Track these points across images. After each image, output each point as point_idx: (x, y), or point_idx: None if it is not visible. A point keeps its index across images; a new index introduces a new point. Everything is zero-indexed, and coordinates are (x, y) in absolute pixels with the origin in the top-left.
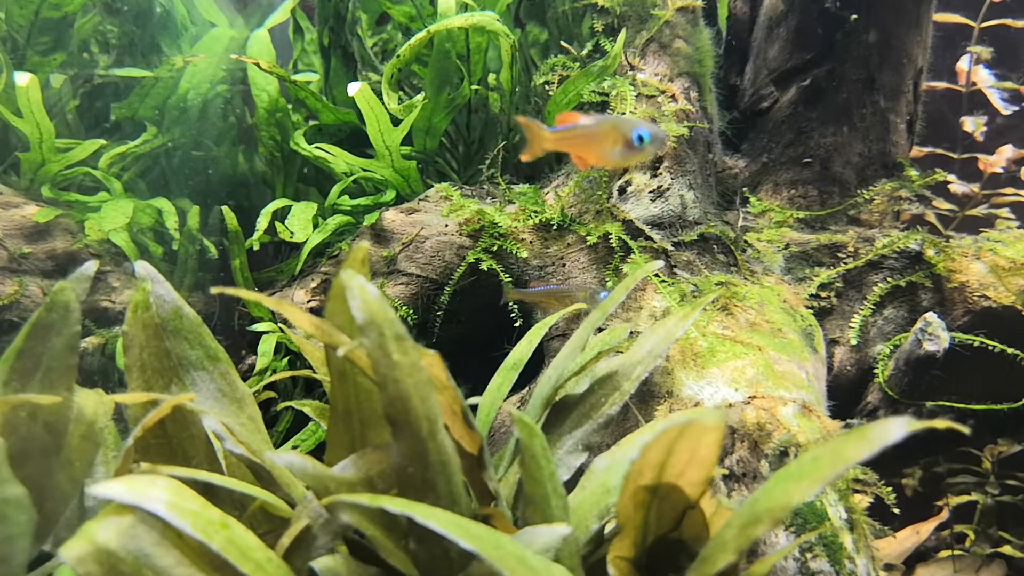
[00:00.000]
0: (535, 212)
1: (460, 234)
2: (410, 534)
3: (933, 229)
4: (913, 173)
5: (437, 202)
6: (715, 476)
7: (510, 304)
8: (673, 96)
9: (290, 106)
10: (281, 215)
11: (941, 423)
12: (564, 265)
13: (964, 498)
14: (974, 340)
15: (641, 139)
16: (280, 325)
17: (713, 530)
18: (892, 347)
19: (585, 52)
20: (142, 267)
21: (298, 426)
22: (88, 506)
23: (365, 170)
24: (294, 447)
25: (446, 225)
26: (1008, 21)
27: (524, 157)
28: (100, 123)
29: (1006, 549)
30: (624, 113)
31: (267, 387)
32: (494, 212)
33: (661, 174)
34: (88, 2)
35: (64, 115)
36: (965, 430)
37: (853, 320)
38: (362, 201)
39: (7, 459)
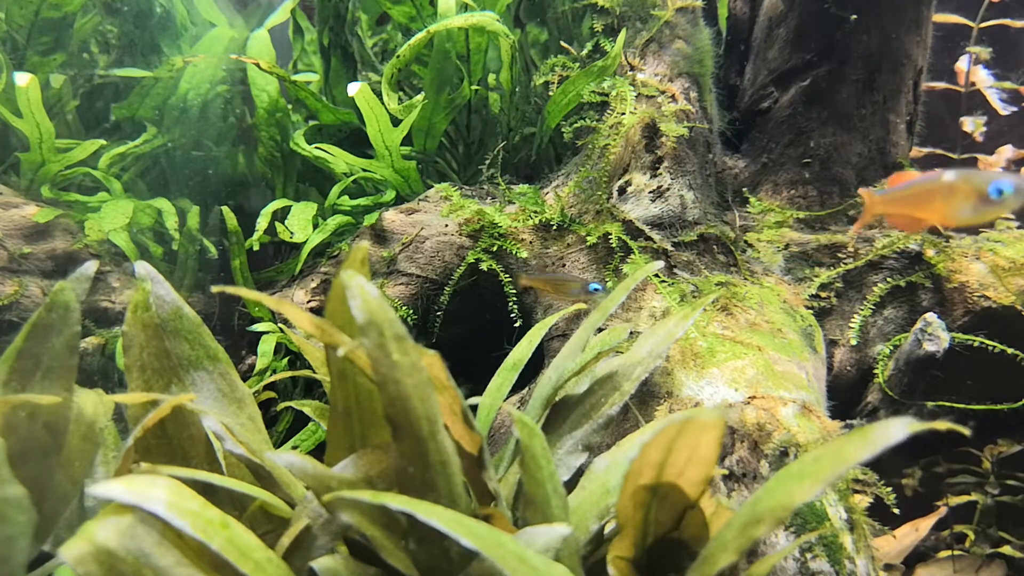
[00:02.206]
0: (535, 212)
1: (460, 234)
2: (410, 534)
3: (933, 229)
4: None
5: (437, 202)
6: (715, 476)
7: (510, 300)
8: (673, 96)
9: (290, 106)
10: (281, 215)
11: (942, 425)
12: (564, 265)
13: (964, 498)
14: (974, 340)
15: (1000, 192)
16: (280, 325)
17: (713, 530)
18: (892, 347)
19: (585, 52)
20: (142, 267)
21: (298, 426)
22: (88, 506)
23: (365, 170)
24: (294, 447)
25: (446, 225)
26: (1007, 21)
27: (855, 228)
28: (100, 123)
29: (1006, 549)
30: (624, 113)
31: (267, 387)
32: (494, 212)
33: (661, 174)
34: (88, 2)
35: (64, 115)
36: (967, 432)
37: (853, 320)
38: (362, 201)
39: (7, 459)
